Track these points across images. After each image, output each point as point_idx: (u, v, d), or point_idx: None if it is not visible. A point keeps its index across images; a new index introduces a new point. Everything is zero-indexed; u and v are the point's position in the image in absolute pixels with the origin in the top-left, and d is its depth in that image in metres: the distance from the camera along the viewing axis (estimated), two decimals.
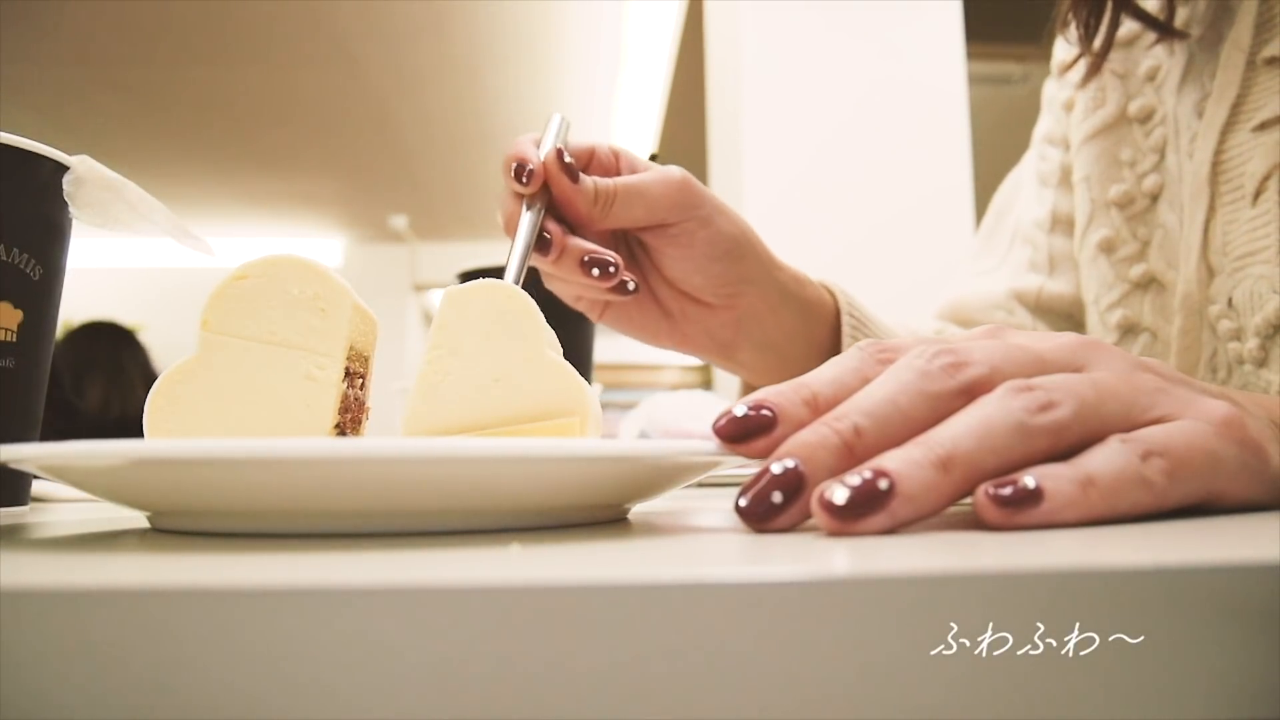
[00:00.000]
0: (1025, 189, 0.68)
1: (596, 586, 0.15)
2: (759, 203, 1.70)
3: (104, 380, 1.92)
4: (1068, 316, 0.64)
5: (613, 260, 0.44)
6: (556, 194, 0.44)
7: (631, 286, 0.45)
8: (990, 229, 0.70)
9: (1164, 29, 0.53)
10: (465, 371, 0.30)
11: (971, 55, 1.81)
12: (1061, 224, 0.64)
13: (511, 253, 0.42)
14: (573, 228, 0.45)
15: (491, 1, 2.83)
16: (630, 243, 0.50)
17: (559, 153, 0.44)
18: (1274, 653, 0.15)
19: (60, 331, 2.08)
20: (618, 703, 0.14)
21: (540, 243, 0.43)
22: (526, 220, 0.43)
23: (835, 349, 0.54)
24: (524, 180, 0.43)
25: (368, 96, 3.48)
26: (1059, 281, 0.63)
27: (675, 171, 0.46)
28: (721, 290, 0.49)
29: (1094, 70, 0.57)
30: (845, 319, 0.54)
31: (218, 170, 4.26)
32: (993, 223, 0.70)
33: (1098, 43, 0.55)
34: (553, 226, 0.44)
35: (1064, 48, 0.63)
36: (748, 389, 0.58)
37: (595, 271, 0.43)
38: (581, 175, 0.44)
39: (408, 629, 0.14)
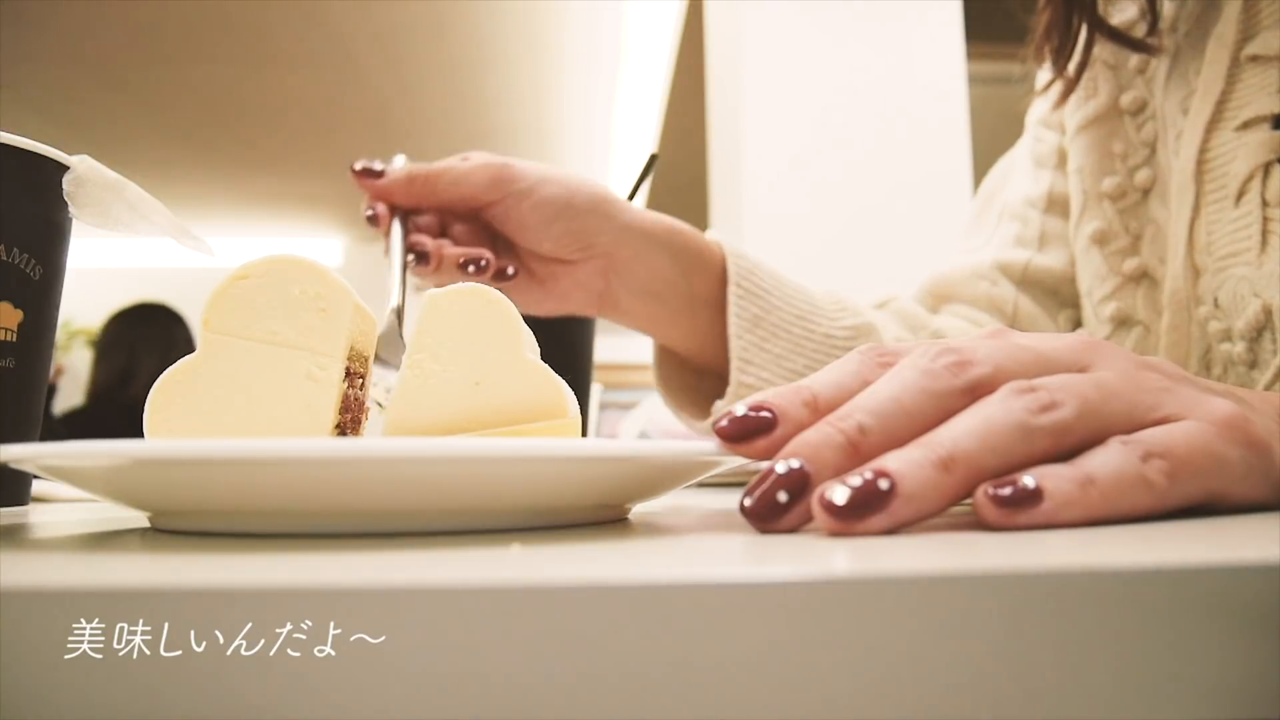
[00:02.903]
0: (1018, 170, 0.67)
1: (596, 586, 0.15)
2: (759, 201, 1.70)
3: (158, 360, 1.98)
4: (1053, 292, 0.63)
5: (484, 255, 0.50)
6: (373, 195, 0.51)
7: (510, 271, 0.52)
8: (978, 212, 0.70)
9: (1140, 47, 0.53)
10: (446, 375, 0.30)
11: (971, 55, 1.81)
12: (1058, 205, 0.63)
13: (391, 277, 0.48)
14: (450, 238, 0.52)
15: (491, 1, 2.83)
16: (495, 237, 0.55)
17: (357, 169, 0.52)
18: (1274, 653, 0.15)
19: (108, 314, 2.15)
20: (618, 703, 0.14)
21: (419, 258, 0.50)
22: (396, 241, 0.50)
23: (721, 301, 0.56)
24: (368, 212, 0.51)
25: (367, 97, 3.47)
26: (1049, 256, 0.63)
27: (492, 156, 0.53)
28: (573, 245, 0.53)
29: (1068, 92, 0.58)
30: (731, 264, 0.56)
31: (218, 170, 4.26)
32: (981, 205, 0.70)
33: (1071, 68, 0.56)
34: (426, 241, 0.50)
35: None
36: (659, 351, 0.61)
37: (472, 269, 0.50)
38: (388, 166, 0.52)
39: (407, 629, 0.14)
